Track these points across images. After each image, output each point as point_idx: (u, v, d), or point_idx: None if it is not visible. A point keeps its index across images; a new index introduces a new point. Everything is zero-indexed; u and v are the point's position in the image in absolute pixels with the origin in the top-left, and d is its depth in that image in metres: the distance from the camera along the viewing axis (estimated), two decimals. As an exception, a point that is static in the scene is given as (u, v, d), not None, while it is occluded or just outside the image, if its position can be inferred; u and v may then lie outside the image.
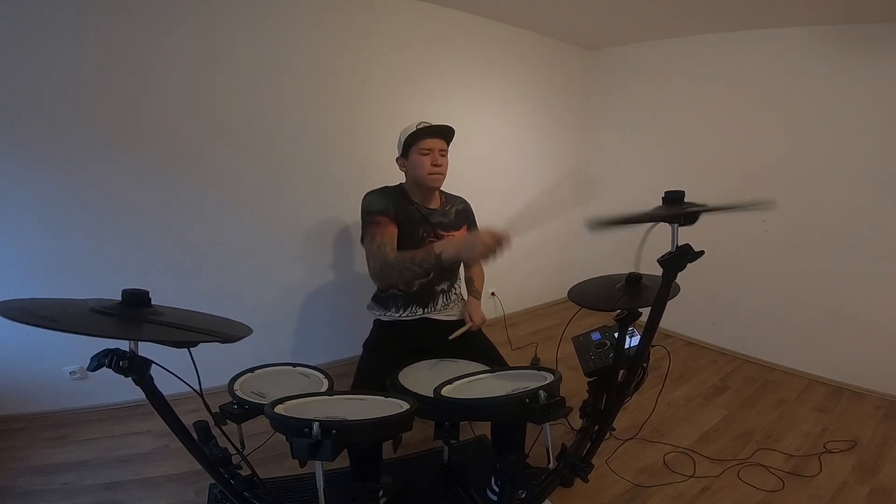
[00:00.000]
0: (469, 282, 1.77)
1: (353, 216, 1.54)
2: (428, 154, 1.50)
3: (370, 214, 1.46)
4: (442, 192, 1.68)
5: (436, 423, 1.17)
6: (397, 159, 1.59)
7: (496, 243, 1.16)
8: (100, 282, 1.94)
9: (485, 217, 1.78)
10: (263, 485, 1.13)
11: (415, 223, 1.53)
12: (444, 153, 1.54)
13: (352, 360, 2.51)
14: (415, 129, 1.49)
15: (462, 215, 1.70)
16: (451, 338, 1.52)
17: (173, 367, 0.92)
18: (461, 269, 1.76)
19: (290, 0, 2.15)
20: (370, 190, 1.57)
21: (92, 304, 0.84)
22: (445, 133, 1.53)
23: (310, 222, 2.42)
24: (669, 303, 1.12)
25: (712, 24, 2.66)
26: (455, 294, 1.70)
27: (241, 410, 1.15)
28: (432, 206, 1.61)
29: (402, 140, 1.53)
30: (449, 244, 1.28)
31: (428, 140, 1.50)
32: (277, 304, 2.42)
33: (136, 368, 0.84)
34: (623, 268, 1.31)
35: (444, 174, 1.55)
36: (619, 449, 1.84)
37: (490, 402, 1.05)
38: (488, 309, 3.00)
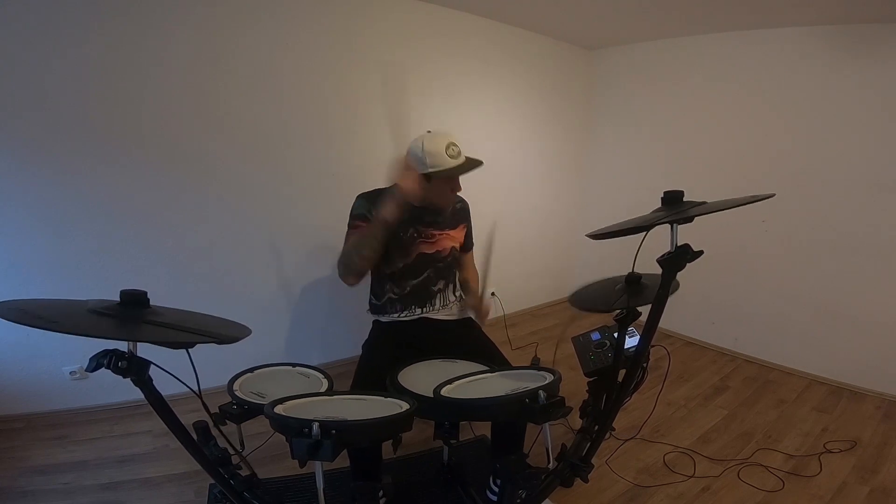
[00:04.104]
0: (465, 283, 1.75)
1: (353, 216, 1.54)
2: (452, 182, 1.47)
3: (350, 219, 1.54)
4: None
5: (436, 423, 1.17)
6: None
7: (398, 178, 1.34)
8: (99, 282, 1.94)
9: (484, 216, 1.78)
10: (263, 485, 1.13)
11: (402, 223, 1.49)
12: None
13: (351, 361, 2.51)
14: (447, 159, 1.37)
15: (459, 214, 1.69)
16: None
17: (172, 367, 0.92)
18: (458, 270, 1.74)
19: (292, 0, 2.16)
20: (360, 193, 1.56)
21: (91, 304, 0.84)
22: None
23: (309, 222, 2.41)
24: (669, 302, 1.12)
25: (712, 24, 2.65)
26: (454, 295, 1.70)
27: (241, 410, 1.15)
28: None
29: (427, 163, 1.38)
30: (381, 206, 1.38)
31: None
32: (277, 305, 2.42)
33: (135, 369, 0.84)
34: (623, 268, 1.31)
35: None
36: (619, 449, 1.83)
37: (490, 402, 1.05)
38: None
